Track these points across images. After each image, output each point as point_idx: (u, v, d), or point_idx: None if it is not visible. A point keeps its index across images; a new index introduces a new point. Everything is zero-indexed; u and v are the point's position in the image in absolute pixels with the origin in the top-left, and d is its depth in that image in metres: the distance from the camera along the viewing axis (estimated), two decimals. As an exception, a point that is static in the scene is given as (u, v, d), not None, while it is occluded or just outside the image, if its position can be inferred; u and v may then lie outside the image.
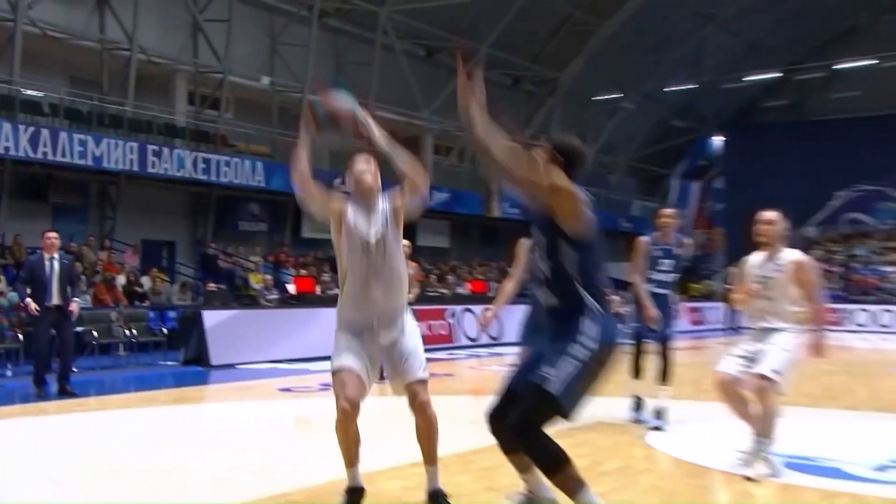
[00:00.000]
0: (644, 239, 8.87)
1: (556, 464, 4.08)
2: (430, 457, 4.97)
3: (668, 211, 9.19)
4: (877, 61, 37.67)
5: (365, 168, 4.91)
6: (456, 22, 29.90)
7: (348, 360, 4.72)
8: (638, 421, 8.57)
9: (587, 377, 4.09)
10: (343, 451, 4.87)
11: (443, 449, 6.68)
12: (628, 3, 33.07)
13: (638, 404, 8.71)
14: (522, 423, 4.12)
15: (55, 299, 11.32)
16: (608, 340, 4.11)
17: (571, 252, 4.08)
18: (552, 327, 4.29)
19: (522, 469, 4.40)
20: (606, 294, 4.37)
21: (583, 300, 4.11)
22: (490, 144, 3.87)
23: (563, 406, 4.03)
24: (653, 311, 8.54)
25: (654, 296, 8.68)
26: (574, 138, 4.47)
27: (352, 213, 4.83)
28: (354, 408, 4.76)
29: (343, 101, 4.86)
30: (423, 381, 4.86)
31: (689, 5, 33.00)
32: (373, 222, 4.79)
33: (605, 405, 8.55)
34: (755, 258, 6.61)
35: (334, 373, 4.78)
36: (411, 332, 4.90)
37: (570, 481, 4.07)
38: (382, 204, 4.90)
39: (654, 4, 33.08)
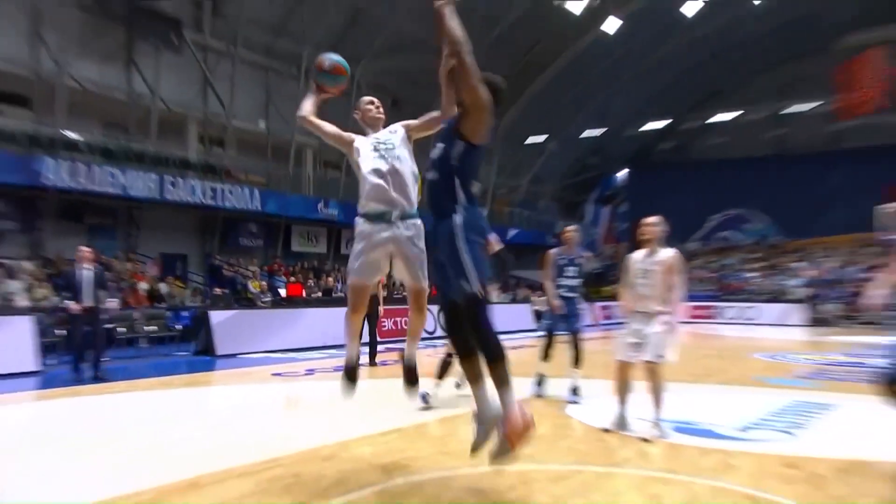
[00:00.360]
0: (553, 251, 8.88)
1: (495, 355, 4.24)
2: (414, 335, 5.18)
3: (571, 228, 9.13)
4: (742, 112, 38.86)
5: (369, 102, 5.11)
6: (415, 77, 29.91)
7: (360, 268, 4.81)
8: (539, 395, 8.58)
9: (478, 254, 4.27)
10: (350, 330, 5.17)
11: (404, 421, 6.84)
12: (552, 66, 33.36)
13: (540, 381, 8.73)
14: (473, 324, 4.30)
15: (88, 301, 11.22)
16: (473, 224, 4.29)
17: (462, 147, 4.26)
18: (430, 204, 4.48)
19: (473, 379, 4.48)
20: (475, 188, 4.45)
21: (455, 184, 4.30)
22: (464, 49, 4.05)
23: (485, 289, 4.29)
24: (556, 302, 8.61)
25: (564, 298, 8.66)
26: (500, 78, 4.52)
27: (362, 138, 4.95)
28: (362, 306, 5.06)
29: (335, 57, 4.97)
30: (426, 289, 4.89)
31: (599, 69, 33.27)
32: (383, 137, 4.88)
33: (530, 385, 8.66)
34: (637, 255, 6.67)
35: (349, 275, 4.94)
36: (424, 249, 4.84)
37: (501, 374, 4.21)
38: (395, 127, 4.99)
39: (572, 68, 33.33)
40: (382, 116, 5.09)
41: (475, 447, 4.39)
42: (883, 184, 29.92)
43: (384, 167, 4.70)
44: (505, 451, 4.27)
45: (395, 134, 4.93)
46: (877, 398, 4.92)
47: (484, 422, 4.37)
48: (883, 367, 4.97)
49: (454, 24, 4.05)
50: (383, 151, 4.76)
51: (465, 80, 4.12)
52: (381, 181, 4.67)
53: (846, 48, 33.07)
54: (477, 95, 4.14)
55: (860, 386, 9.77)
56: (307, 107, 5.03)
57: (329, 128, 5.07)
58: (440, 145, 4.41)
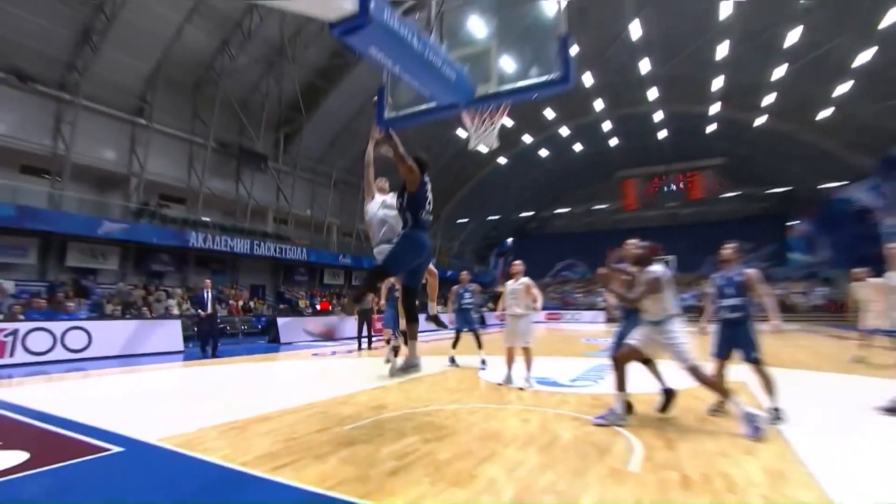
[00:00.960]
0: (454, 287, 8.67)
1: (414, 322, 4.14)
2: (432, 297, 4.64)
3: (464, 273, 8.91)
4: (570, 208, 39.86)
5: (382, 180, 4.94)
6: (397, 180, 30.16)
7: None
8: (455, 365, 8.41)
9: (397, 251, 4.06)
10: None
11: (386, 382, 6.82)
12: (470, 181, 33.60)
13: (453, 360, 8.62)
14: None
15: (209, 310, 11.15)
16: (408, 237, 4.08)
17: (406, 195, 4.13)
18: (397, 229, 4.23)
19: (411, 336, 4.28)
20: (424, 218, 4.15)
21: (407, 217, 4.12)
22: (401, 151, 4.01)
23: (386, 267, 4.06)
24: (452, 317, 8.47)
25: (465, 310, 8.50)
26: (424, 155, 4.31)
27: (379, 195, 4.76)
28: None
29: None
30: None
31: (496, 184, 33.83)
32: (388, 200, 4.66)
33: (447, 361, 8.68)
34: (510, 282, 6.61)
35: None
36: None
37: (414, 332, 4.17)
38: (394, 195, 4.75)
39: (481, 183, 33.75)
40: (387, 188, 4.98)
41: (393, 372, 4.23)
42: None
43: (388, 217, 4.58)
44: (403, 370, 4.26)
45: (394, 199, 4.78)
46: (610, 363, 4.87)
47: (408, 361, 4.28)
48: (611, 345, 5.03)
49: (396, 141, 4.04)
50: (388, 208, 4.65)
51: (399, 164, 4.06)
52: (387, 225, 4.56)
53: (620, 176, 34.89)
54: (409, 169, 4.08)
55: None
56: (370, 155, 4.78)
57: (372, 173, 4.86)
58: (397, 198, 4.30)
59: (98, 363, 9.82)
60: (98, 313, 14.05)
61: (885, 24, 16.15)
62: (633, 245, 4.77)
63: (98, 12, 15.72)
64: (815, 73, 19.93)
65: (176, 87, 19.28)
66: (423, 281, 4.56)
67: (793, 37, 18.23)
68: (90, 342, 10.64)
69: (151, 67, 18.01)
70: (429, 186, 4.34)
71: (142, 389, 6.78)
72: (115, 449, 3.83)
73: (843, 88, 20.00)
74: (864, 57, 17.84)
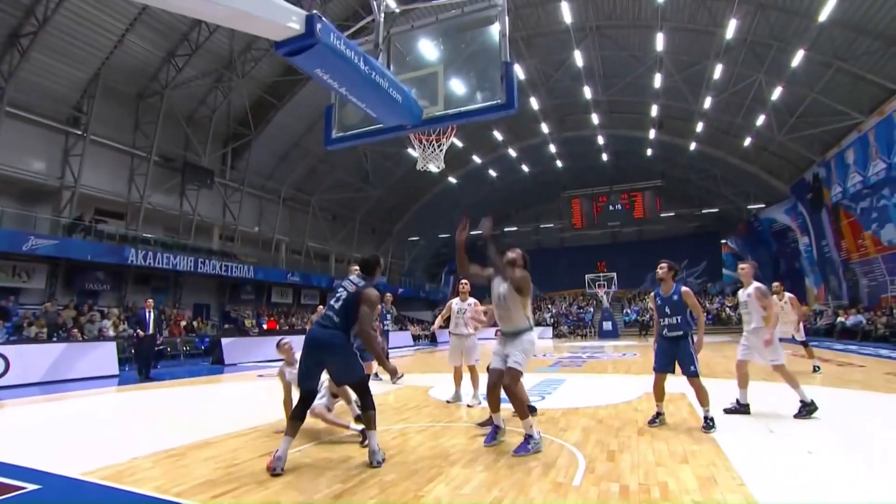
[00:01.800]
0: (378, 306, 8.58)
1: (370, 409, 3.91)
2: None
3: (388, 295, 8.77)
4: (517, 228, 40.59)
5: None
6: (346, 204, 29.92)
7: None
8: (379, 379, 8.37)
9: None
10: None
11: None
12: (422, 199, 33.75)
13: (376, 374, 8.40)
14: (360, 391, 3.95)
15: (150, 331, 10.68)
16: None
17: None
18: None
19: (363, 424, 4.15)
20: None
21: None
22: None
23: (363, 374, 3.95)
24: (380, 339, 8.22)
25: (387, 332, 8.66)
26: (374, 258, 4.20)
27: None
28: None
29: None
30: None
31: (446, 202, 34.05)
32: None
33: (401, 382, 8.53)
34: (456, 301, 6.59)
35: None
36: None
37: (372, 422, 3.92)
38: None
39: (432, 201, 33.89)
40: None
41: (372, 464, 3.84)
42: (590, 264, 32.39)
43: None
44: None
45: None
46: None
47: (376, 451, 3.84)
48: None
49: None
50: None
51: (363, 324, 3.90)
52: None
53: (566, 197, 35.95)
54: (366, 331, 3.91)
55: (576, 369, 10.45)
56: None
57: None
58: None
59: (16, 391, 9.05)
60: (18, 336, 13.00)
61: (795, 62, 17.74)
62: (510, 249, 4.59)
63: (28, 15, 14.83)
64: (737, 104, 21.58)
65: (116, 97, 18.35)
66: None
67: (717, 71, 19.75)
68: (7, 368, 9.84)
69: (89, 76, 17.07)
70: (339, 286, 4.10)
71: (66, 418, 6.28)
72: (30, 487, 3.50)
73: (760, 119, 21.77)
74: (776, 93, 19.62)
